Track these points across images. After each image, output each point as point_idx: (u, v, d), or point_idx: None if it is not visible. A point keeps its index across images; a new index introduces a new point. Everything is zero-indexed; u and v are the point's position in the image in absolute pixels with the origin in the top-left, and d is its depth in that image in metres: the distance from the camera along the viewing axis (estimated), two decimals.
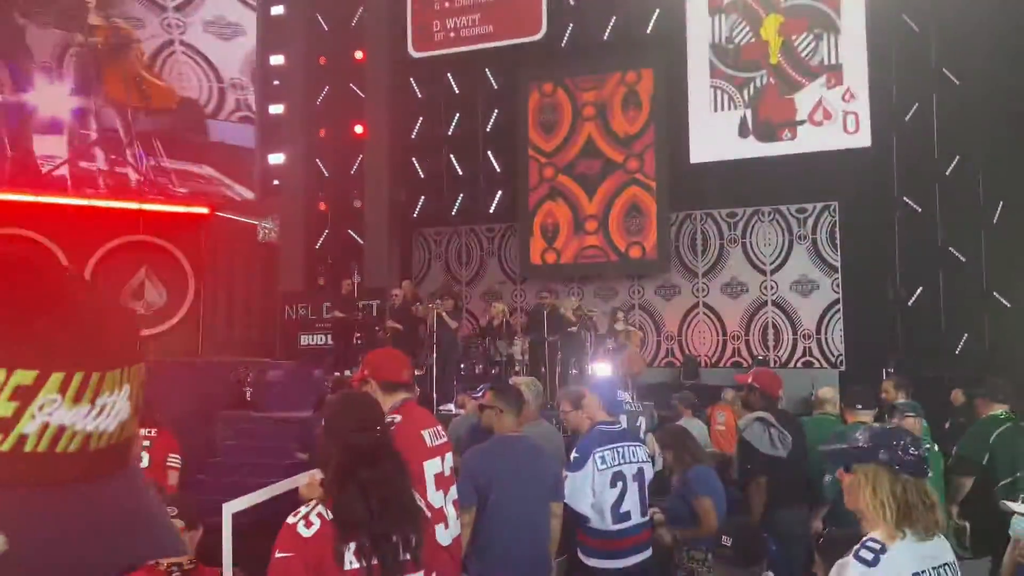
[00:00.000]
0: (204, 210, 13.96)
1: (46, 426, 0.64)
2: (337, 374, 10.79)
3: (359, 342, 12.11)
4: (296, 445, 8.34)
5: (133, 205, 13.53)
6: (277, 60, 14.65)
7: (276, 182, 14.51)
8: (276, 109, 14.63)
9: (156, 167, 13.99)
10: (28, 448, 0.64)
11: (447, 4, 13.44)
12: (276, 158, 14.51)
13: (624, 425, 4.76)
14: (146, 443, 5.47)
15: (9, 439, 0.63)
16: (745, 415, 5.07)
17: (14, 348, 0.64)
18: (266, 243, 13.96)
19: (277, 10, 14.70)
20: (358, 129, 13.96)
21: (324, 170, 14.31)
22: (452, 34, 13.38)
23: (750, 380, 4.87)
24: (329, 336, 12.44)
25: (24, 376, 0.63)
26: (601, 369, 11.12)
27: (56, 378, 0.64)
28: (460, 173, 13.58)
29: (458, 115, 13.66)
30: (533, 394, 5.05)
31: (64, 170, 13.62)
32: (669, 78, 12.46)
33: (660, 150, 12.48)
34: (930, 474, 2.28)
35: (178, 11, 14.54)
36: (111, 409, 0.68)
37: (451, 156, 13.63)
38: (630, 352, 10.17)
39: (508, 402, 3.91)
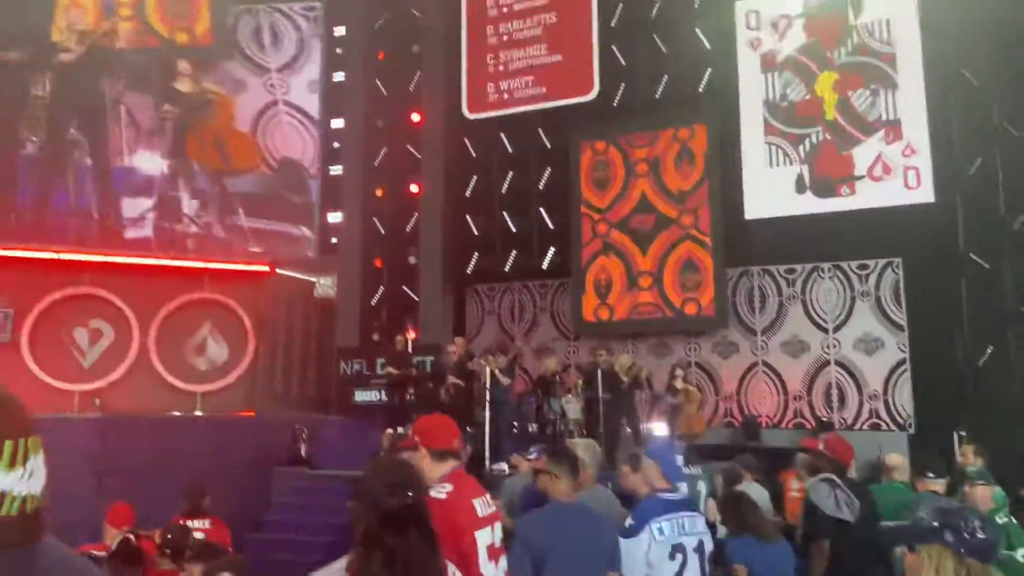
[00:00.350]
0: (265, 268, 14.34)
1: None
2: (390, 431, 10.82)
3: (412, 398, 12.16)
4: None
5: (198, 264, 13.98)
6: (337, 124, 15.18)
7: (334, 240, 14.87)
8: (336, 170, 15.10)
9: (232, 226, 14.45)
10: None
11: (501, 68, 13.79)
12: (335, 217, 14.93)
13: (685, 493, 4.62)
14: (199, 535, 5.24)
15: None
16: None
17: None
18: (323, 300, 14.24)
19: (338, 76, 15.29)
20: (414, 188, 14.29)
21: (381, 228, 14.62)
22: (506, 96, 13.69)
23: (820, 447, 4.70)
24: (383, 392, 12.52)
25: None
26: (658, 429, 10.92)
27: None
28: (513, 230, 13.71)
29: (511, 173, 13.86)
30: (590, 457, 4.93)
31: (148, 230, 14.13)
32: (723, 134, 12.47)
33: (715, 206, 12.41)
34: (999, 555, 2.15)
35: (280, 72, 15.18)
36: (38, 472, 0.75)
37: (504, 213, 13.79)
38: (688, 413, 9.96)
39: (563, 467, 3.84)
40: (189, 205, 14.35)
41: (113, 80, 14.26)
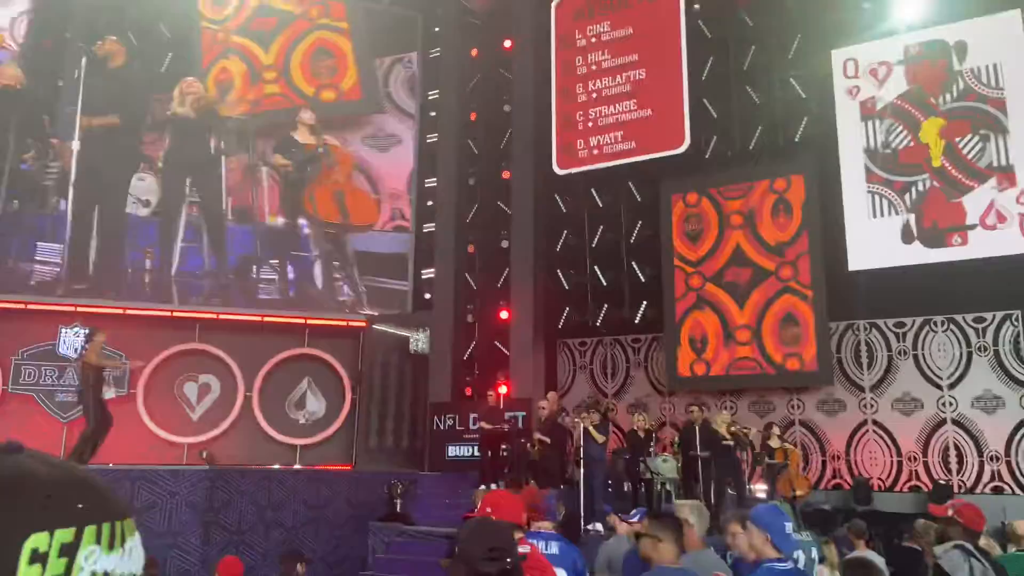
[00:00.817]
0: (362, 323, 14.72)
1: (94, 574, 0.74)
2: (482, 487, 10.76)
3: (505, 454, 12.10)
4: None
5: (299, 319, 14.47)
6: (431, 183, 15.64)
7: (428, 295, 15.17)
8: (429, 227, 15.50)
9: (331, 281, 14.94)
10: None
11: (590, 124, 13.94)
12: (428, 272, 15.26)
13: (800, 564, 4.36)
14: None
15: None
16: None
17: (48, 514, 0.73)
18: (417, 354, 14.47)
19: (432, 138, 15.80)
20: (505, 244, 14.47)
21: (473, 283, 14.84)
22: (595, 151, 13.79)
23: (950, 512, 4.39)
24: (475, 448, 12.52)
25: (64, 534, 0.73)
26: (760, 491, 10.46)
27: (91, 531, 0.74)
28: (604, 284, 13.65)
29: (602, 227, 13.88)
30: (697, 518, 4.76)
31: (273, 291, 14.69)
32: (822, 183, 12.15)
33: (815, 257, 12.03)
34: None
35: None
36: (136, 552, 0.79)
37: (595, 267, 13.77)
38: (789, 473, 9.51)
39: (666, 531, 3.71)
40: (304, 263, 14.84)
41: (226, 137, 15.02)
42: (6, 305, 12.91)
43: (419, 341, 14.51)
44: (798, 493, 9.77)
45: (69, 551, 0.73)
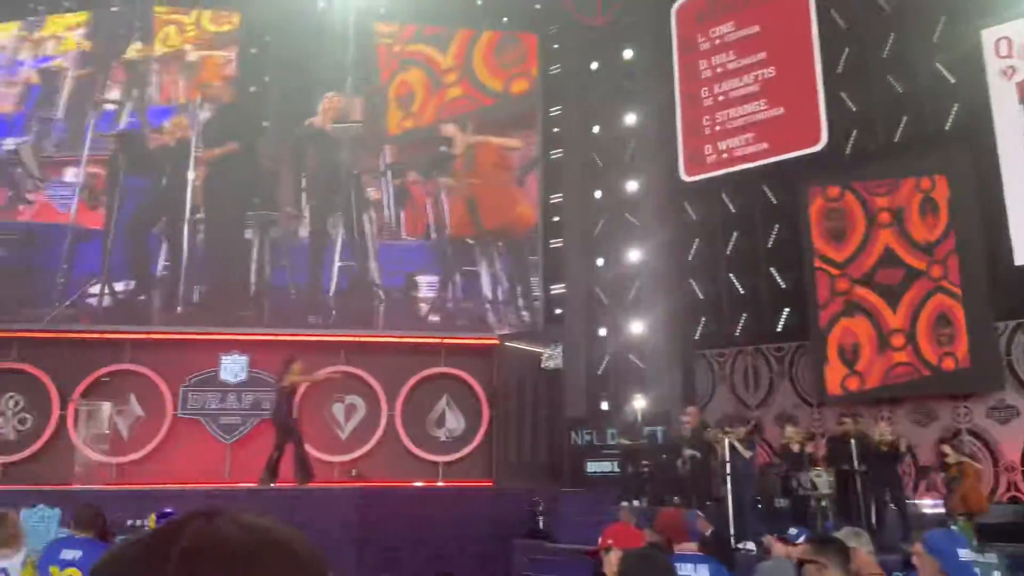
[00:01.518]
0: (494, 340, 14.92)
1: None
2: (625, 504, 10.59)
3: (646, 470, 11.88)
4: None
5: (435, 338, 14.85)
6: (556, 198, 15.70)
7: (558, 311, 15.19)
8: (556, 243, 15.55)
9: (465, 298, 15.27)
10: None
11: (718, 128, 13.56)
12: (557, 288, 15.30)
13: None
14: None
15: None
16: None
17: None
18: (550, 370, 14.49)
19: (556, 154, 15.88)
20: (634, 256, 14.29)
21: (603, 297, 14.73)
22: (725, 155, 13.40)
23: None
24: (616, 463, 12.37)
25: None
26: (928, 506, 9.73)
27: None
28: (742, 292, 13.18)
29: (736, 233, 13.43)
30: (857, 543, 4.46)
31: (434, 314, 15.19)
32: (978, 173, 11.23)
33: (965, 255, 11.13)
34: None
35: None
36: None
37: (731, 275, 13.33)
38: (965, 488, 8.75)
39: (831, 557, 3.48)
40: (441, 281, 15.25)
41: (362, 154, 15.55)
42: (174, 337, 14.02)
43: (551, 357, 14.53)
44: (975, 508, 8.97)
45: None
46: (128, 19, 15.45)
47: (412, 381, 14.61)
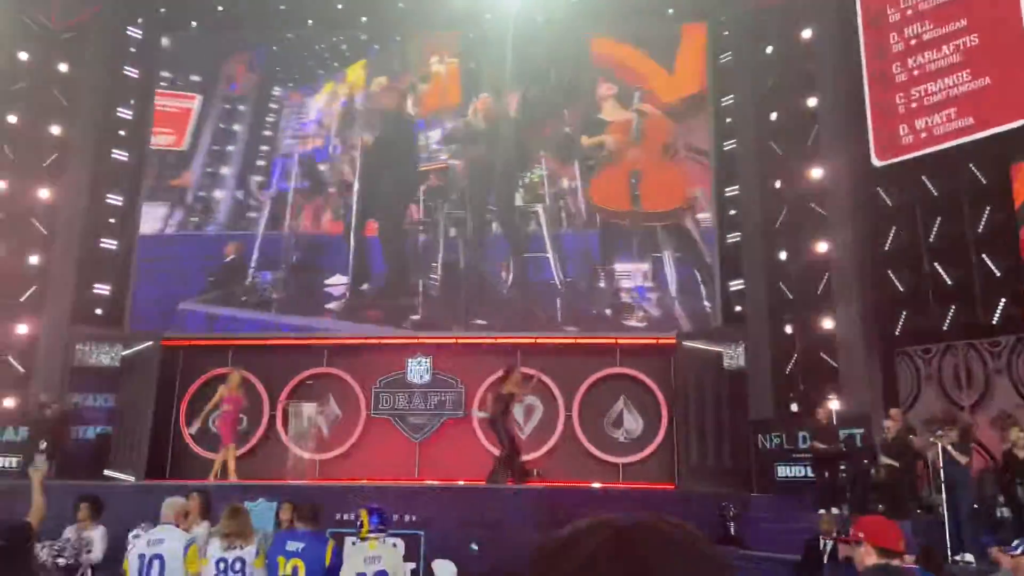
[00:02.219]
0: (672, 340, 14.59)
1: None
2: (823, 511, 9.99)
3: (844, 475, 11.14)
4: None
5: (609, 339, 14.75)
6: (732, 191, 15.11)
7: (738, 308, 14.60)
8: (733, 237, 14.95)
9: (636, 297, 15.11)
10: None
11: (914, 105, 12.48)
12: (736, 284, 14.72)
13: None
14: None
15: None
16: None
17: None
18: (733, 370, 13.94)
19: (730, 145, 15.29)
20: (822, 247, 13.44)
21: (787, 292, 13.97)
22: (923, 134, 12.30)
23: None
24: (809, 468, 11.69)
25: None
26: None
27: None
28: (948, 283, 12.02)
29: (939, 219, 12.27)
30: None
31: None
32: None
33: None
34: None
35: None
36: None
37: (935, 264, 12.19)
38: None
39: None
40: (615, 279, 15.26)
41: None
42: (364, 341, 14.93)
43: (734, 356, 13.98)
44: None
45: None
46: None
47: (588, 381, 14.62)
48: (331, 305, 15.34)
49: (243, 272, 15.48)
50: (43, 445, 12.26)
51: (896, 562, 3.27)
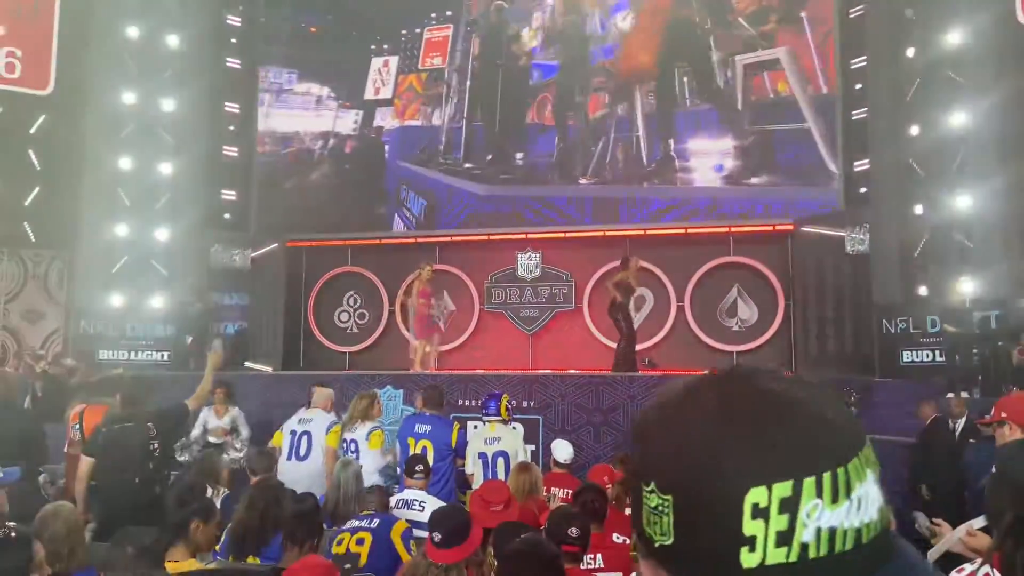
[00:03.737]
0: (788, 225, 14.05)
1: (819, 531, 0.68)
2: (951, 395, 9.67)
3: (978, 359, 10.64)
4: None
5: (721, 228, 14.35)
6: (858, 62, 14.01)
7: (863, 189, 13.80)
8: (859, 114, 13.97)
9: (750, 180, 14.55)
10: (812, 555, 0.67)
11: None
12: (861, 164, 13.85)
13: None
14: None
15: (793, 550, 0.67)
16: None
17: (764, 464, 0.69)
18: (855, 254, 13.34)
19: (858, 11, 14.07)
20: (958, 120, 12.37)
21: (919, 169, 13.05)
22: None
23: None
24: (939, 352, 11.22)
25: (782, 488, 0.68)
26: None
27: (809, 483, 0.68)
28: None
29: None
30: None
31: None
32: None
33: None
34: None
35: None
36: (867, 499, 0.70)
37: None
38: None
39: None
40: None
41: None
42: (474, 238, 15.21)
43: (857, 240, 13.34)
44: None
45: (789, 506, 0.67)
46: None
47: (700, 271, 14.39)
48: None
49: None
50: (189, 340, 13.39)
51: None
